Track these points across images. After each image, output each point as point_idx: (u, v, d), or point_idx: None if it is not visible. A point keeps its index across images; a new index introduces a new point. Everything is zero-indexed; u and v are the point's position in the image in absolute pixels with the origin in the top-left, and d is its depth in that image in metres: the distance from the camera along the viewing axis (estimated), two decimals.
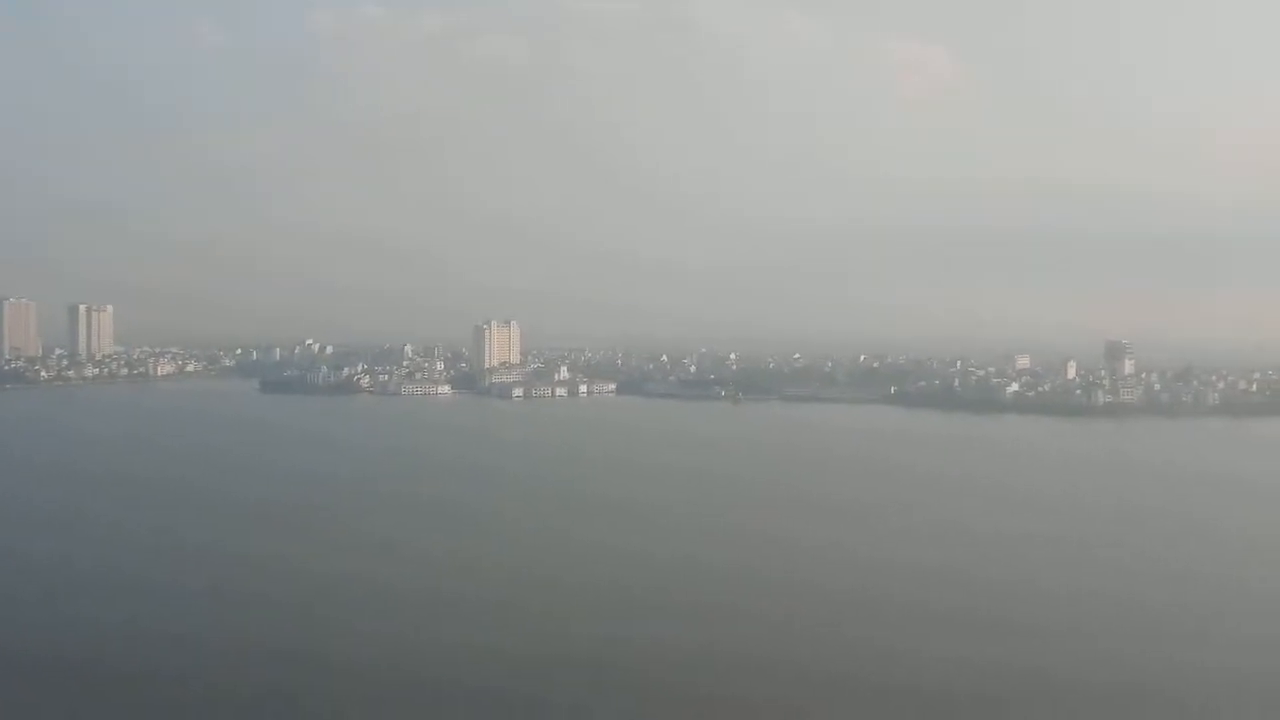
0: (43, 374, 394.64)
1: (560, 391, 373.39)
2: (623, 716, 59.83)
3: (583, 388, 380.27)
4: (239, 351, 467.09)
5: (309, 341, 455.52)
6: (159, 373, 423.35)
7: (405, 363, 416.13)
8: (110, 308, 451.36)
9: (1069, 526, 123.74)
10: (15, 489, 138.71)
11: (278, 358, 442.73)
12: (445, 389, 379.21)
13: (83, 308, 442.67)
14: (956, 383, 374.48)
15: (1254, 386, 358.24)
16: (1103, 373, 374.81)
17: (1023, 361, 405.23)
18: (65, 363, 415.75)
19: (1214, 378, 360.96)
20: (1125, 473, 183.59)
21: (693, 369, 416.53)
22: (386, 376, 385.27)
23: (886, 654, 70.05)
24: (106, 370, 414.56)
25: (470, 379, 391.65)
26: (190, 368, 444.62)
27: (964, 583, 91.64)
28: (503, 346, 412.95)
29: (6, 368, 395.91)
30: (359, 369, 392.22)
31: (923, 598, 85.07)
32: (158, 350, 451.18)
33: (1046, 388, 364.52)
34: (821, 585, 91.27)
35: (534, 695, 60.79)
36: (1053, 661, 68.55)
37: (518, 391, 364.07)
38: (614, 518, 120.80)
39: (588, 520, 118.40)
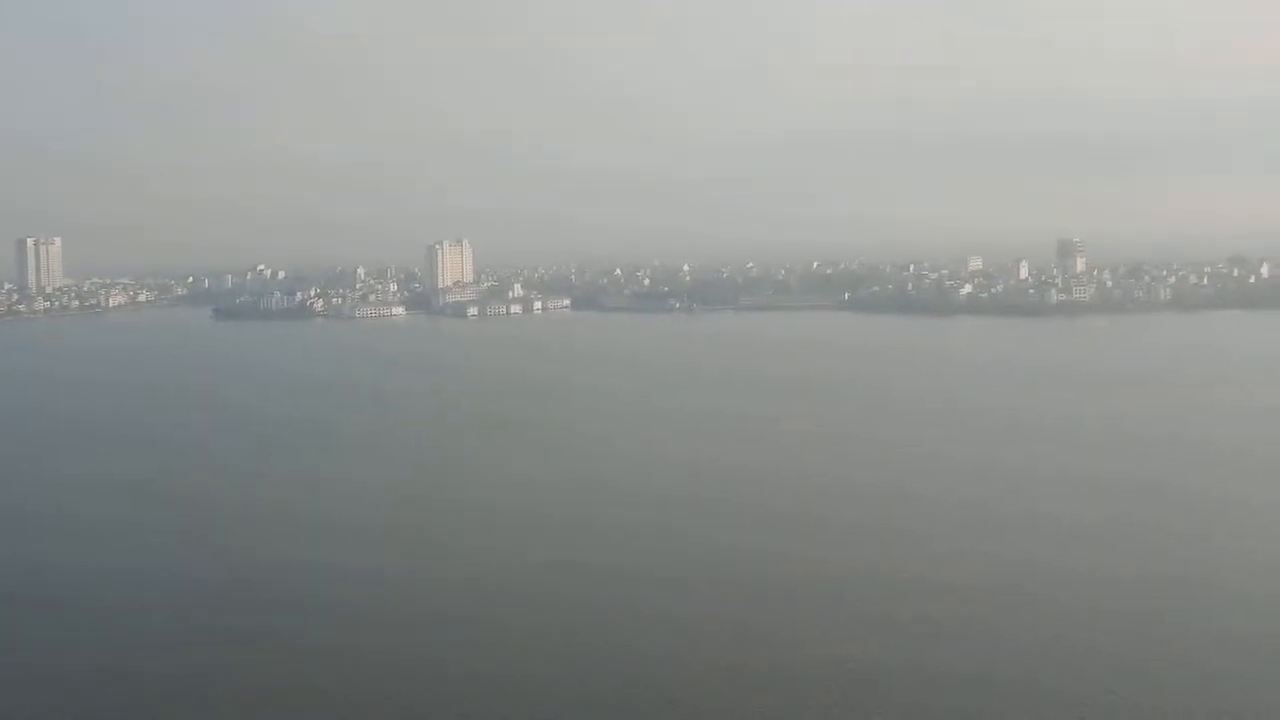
0: None
1: (515, 309, 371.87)
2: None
3: (537, 304, 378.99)
4: (190, 280, 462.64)
5: (260, 268, 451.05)
6: (111, 304, 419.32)
7: (358, 286, 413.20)
8: (58, 240, 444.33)
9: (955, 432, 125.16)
10: None
11: (229, 285, 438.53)
12: (399, 310, 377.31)
13: (30, 241, 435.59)
14: (910, 286, 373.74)
15: (1205, 281, 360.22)
16: (1055, 272, 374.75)
17: (975, 263, 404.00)
18: (15, 297, 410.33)
19: (1165, 273, 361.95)
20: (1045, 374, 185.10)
21: (646, 282, 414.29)
22: (340, 300, 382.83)
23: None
24: (58, 304, 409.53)
25: (424, 299, 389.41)
26: (142, 298, 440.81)
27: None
28: (455, 266, 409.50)
29: None
30: (312, 293, 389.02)
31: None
32: (109, 282, 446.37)
33: (1000, 289, 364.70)
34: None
35: None
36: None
37: (472, 310, 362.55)
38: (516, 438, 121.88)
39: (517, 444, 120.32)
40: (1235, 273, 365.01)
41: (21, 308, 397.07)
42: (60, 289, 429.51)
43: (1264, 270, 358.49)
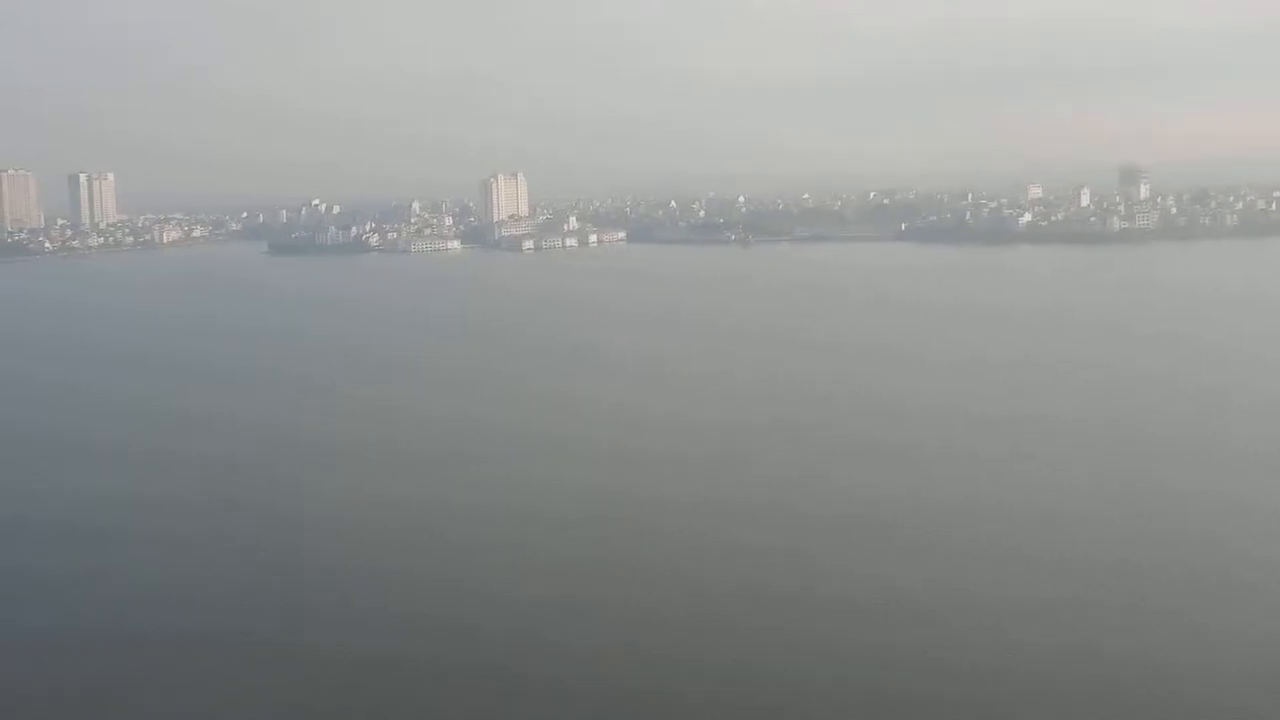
0: (46, 245, 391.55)
1: (570, 242, 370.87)
2: None
3: (593, 237, 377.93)
4: (244, 215, 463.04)
5: (315, 202, 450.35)
6: (165, 239, 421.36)
7: (413, 220, 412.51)
8: (111, 175, 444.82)
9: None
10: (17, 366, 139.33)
11: (284, 220, 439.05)
12: (455, 244, 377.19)
13: (83, 176, 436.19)
14: (968, 215, 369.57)
15: (1274, 205, 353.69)
16: (1117, 198, 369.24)
17: (1035, 191, 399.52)
18: (69, 233, 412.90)
19: (1232, 199, 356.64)
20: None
21: (701, 214, 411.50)
22: (395, 234, 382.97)
23: None
24: (112, 239, 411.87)
25: (480, 233, 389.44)
26: (196, 233, 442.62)
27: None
28: (510, 199, 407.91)
29: (9, 240, 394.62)
30: (367, 227, 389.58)
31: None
32: (163, 217, 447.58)
33: (1060, 216, 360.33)
34: None
35: None
36: None
37: (528, 244, 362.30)
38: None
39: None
40: None
41: (75, 244, 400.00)
42: (114, 224, 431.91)
43: None
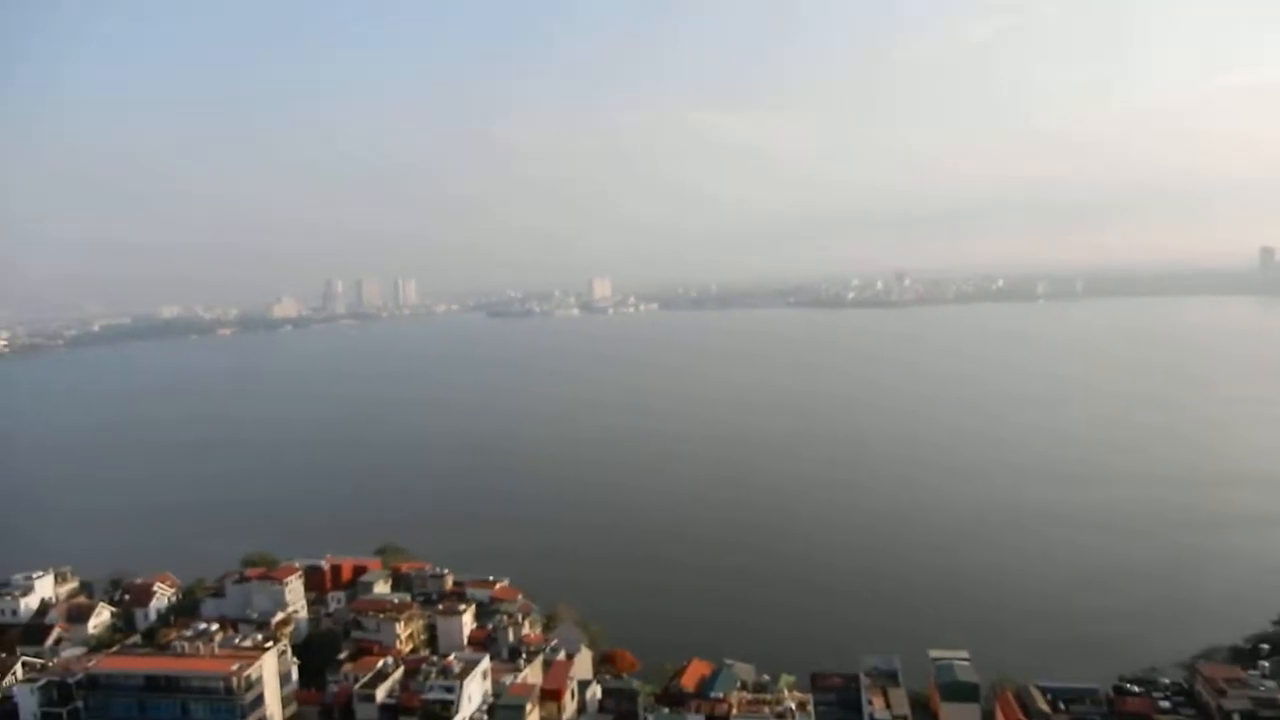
0: (383, 315, 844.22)
1: (628, 309, 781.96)
2: None
3: (641, 306, 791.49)
4: (471, 303, 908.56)
5: (509, 291, 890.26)
6: (438, 311, 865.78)
7: (555, 298, 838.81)
8: (413, 281, 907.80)
9: None
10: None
11: (494, 300, 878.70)
12: (575, 311, 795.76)
13: (399, 280, 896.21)
14: (822, 293, 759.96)
15: (970, 287, 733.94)
16: (893, 285, 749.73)
17: (855, 281, 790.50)
18: (391, 306, 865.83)
19: (955, 284, 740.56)
20: None
21: (694, 294, 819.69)
22: (546, 306, 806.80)
23: None
24: (413, 313, 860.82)
25: (587, 305, 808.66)
26: (452, 307, 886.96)
27: None
28: (602, 288, 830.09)
29: (367, 313, 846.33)
30: (532, 303, 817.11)
31: None
32: (436, 302, 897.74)
33: (868, 294, 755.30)
34: None
35: None
36: None
37: (610, 310, 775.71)
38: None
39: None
40: (983, 284, 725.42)
41: (394, 314, 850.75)
42: (414, 305, 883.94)
43: (1001, 283, 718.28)
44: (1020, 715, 52.21)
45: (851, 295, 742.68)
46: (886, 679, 60.40)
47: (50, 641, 72.71)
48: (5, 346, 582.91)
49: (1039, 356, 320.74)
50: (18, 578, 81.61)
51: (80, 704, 55.00)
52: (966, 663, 59.18)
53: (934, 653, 61.00)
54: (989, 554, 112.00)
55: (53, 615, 76.76)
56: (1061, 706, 53.04)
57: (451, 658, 59.20)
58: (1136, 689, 55.79)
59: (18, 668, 62.45)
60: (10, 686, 59.17)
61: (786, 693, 58.38)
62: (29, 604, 79.03)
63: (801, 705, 54.79)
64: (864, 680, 59.38)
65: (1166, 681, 57.53)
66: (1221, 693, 51.82)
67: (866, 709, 55.75)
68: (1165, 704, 53.24)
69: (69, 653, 67.27)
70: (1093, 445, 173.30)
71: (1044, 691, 54.68)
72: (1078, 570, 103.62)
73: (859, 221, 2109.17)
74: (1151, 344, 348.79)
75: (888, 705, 56.42)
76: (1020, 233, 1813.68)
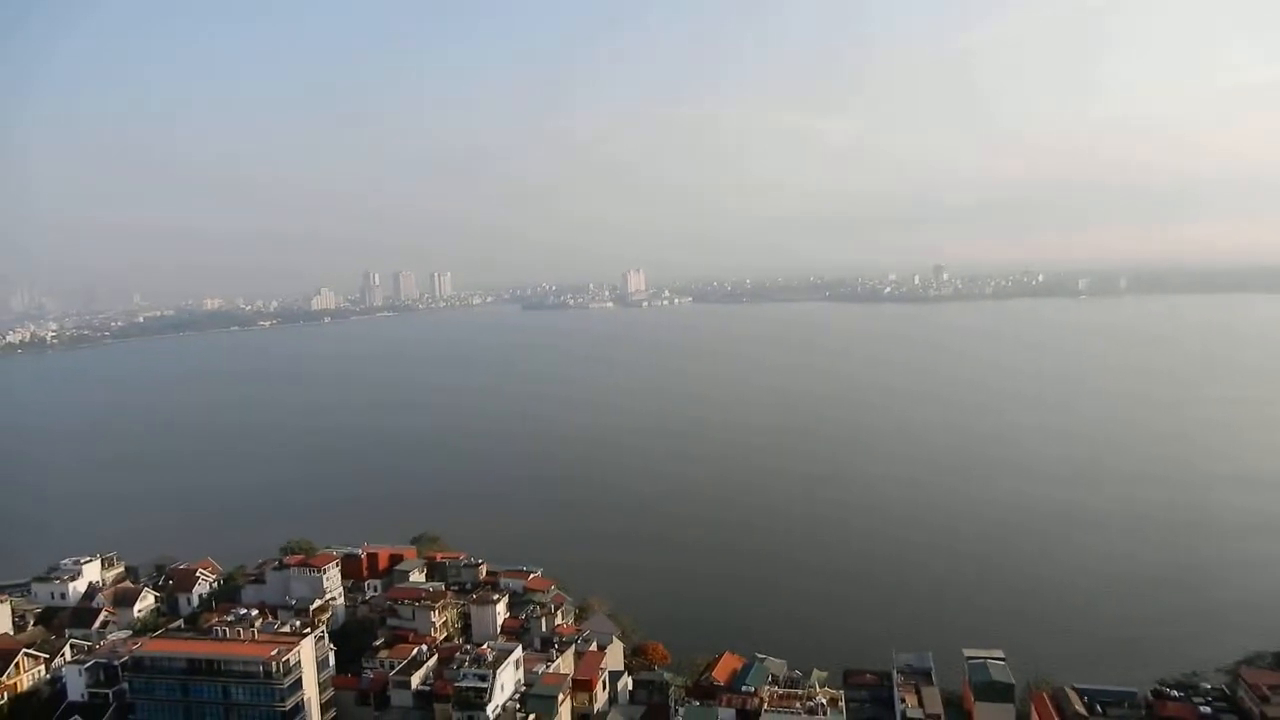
0: (420, 307, 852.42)
1: (662, 303, 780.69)
2: None
3: (675, 300, 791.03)
4: (506, 295, 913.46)
5: (543, 284, 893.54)
6: (474, 303, 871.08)
7: (590, 291, 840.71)
8: (449, 273, 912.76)
9: None
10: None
11: (528, 292, 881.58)
12: (610, 304, 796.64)
13: (435, 273, 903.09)
14: (859, 288, 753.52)
15: (1008, 283, 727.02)
16: (931, 280, 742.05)
17: (891, 276, 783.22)
18: (428, 300, 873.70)
19: (991, 281, 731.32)
20: None
21: (728, 287, 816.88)
22: (581, 299, 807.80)
23: None
24: (447, 304, 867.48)
25: (620, 298, 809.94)
26: (487, 300, 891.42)
27: None
28: (636, 281, 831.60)
29: (405, 304, 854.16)
30: (566, 296, 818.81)
31: None
32: (472, 294, 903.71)
33: (904, 289, 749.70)
34: None
35: None
36: None
37: (645, 304, 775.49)
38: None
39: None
40: (1021, 280, 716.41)
41: (432, 306, 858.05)
42: (450, 296, 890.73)
43: (1040, 278, 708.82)
44: (1056, 717, 51.54)
45: (888, 290, 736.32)
46: (920, 677, 59.84)
47: (97, 624, 74.73)
48: (54, 338, 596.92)
49: (1123, 350, 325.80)
50: (66, 562, 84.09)
51: (126, 685, 56.38)
52: (1002, 662, 58.46)
53: (968, 651, 60.27)
54: (1026, 553, 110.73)
55: (100, 599, 78.84)
56: (1099, 709, 52.07)
57: (485, 646, 59.75)
58: (1176, 693, 54.78)
59: (66, 649, 64.45)
60: (60, 667, 61.06)
61: (818, 688, 58.14)
62: (77, 588, 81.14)
63: (833, 701, 54.41)
64: (897, 678, 58.96)
65: (1208, 686, 56.39)
66: (1265, 699, 50.71)
67: (899, 706, 55.32)
68: (1206, 709, 52.11)
69: (115, 635, 69.32)
70: (1172, 442, 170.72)
71: (1080, 693, 53.78)
72: (1111, 577, 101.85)
73: (895, 219, 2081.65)
74: (1242, 342, 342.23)
75: (920, 703, 55.91)
76: (1057, 228, 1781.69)
